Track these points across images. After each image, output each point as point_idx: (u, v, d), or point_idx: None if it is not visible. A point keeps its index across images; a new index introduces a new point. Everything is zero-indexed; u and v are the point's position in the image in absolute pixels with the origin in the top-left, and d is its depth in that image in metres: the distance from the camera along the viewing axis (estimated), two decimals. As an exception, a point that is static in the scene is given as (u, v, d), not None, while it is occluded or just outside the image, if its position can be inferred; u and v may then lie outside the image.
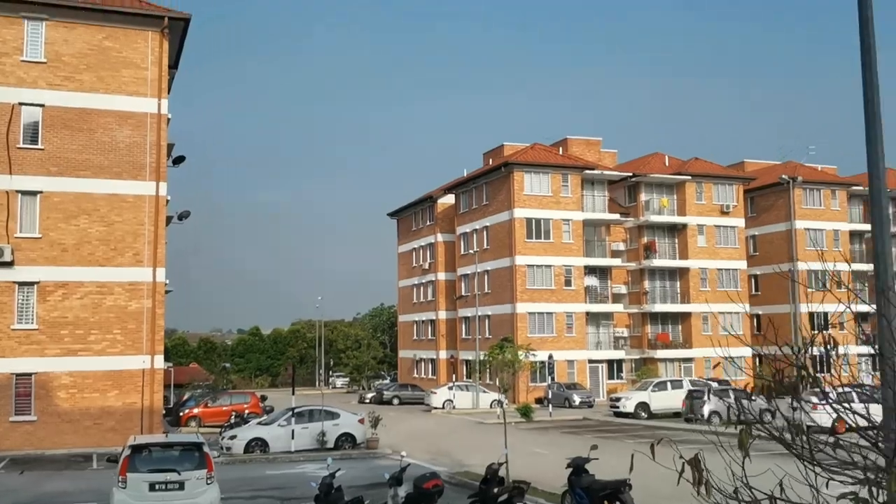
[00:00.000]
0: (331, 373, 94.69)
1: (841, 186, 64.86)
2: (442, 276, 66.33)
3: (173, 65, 34.17)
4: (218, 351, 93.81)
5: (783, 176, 48.07)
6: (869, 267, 65.28)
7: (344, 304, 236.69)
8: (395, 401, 57.65)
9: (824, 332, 4.78)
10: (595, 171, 57.48)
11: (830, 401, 4.68)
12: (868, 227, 67.15)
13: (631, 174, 59.78)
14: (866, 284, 66.56)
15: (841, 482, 4.01)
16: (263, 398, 46.07)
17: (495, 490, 14.49)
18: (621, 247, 60.11)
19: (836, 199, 64.21)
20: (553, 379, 51.17)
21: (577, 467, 15.48)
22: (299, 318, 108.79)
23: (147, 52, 31.58)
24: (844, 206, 64.67)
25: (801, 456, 3.72)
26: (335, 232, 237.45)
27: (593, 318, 57.21)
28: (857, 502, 3.55)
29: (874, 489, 3.62)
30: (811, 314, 60.07)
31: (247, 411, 38.32)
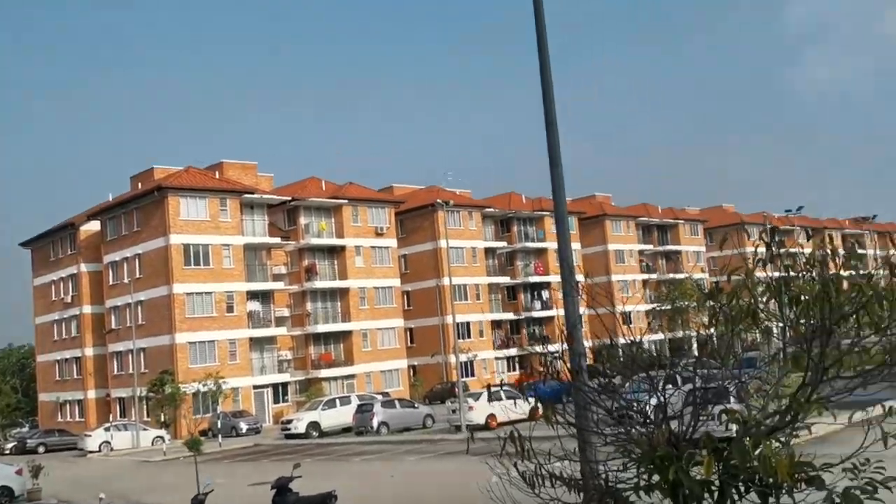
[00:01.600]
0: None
1: (476, 209, 72.07)
2: (88, 309, 61.38)
3: None
4: None
5: (438, 200, 52.39)
6: (501, 279, 73.28)
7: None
8: (41, 448, 52.00)
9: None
10: (254, 196, 57.46)
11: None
12: (500, 244, 75.31)
13: (290, 198, 60.70)
14: (499, 296, 74.69)
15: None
16: None
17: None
18: (283, 270, 60.65)
19: (473, 219, 71.18)
20: (219, 408, 49.99)
21: (281, 487, 15.62)
22: None
23: None
24: (480, 226, 71.91)
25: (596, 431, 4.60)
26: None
27: (257, 344, 56.90)
28: (730, 415, 4.41)
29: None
30: (457, 324, 65.49)
31: None
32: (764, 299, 4.63)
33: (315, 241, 61.14)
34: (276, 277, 59.42)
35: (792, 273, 4.55)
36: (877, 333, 4.43)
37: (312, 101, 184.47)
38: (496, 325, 72.34)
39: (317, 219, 62.24)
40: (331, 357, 61.27)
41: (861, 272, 4.69)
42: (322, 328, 60.81)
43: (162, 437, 46.96)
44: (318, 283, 60.99)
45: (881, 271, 4.47)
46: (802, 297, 4.31)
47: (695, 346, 5.77)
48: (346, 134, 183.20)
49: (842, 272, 4.60)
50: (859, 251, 4.83)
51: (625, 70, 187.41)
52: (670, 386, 5.15)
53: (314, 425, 43.54)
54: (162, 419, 51.42)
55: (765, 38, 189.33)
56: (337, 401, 46.38)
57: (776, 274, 4.63)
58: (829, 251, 4.65)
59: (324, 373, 59.85)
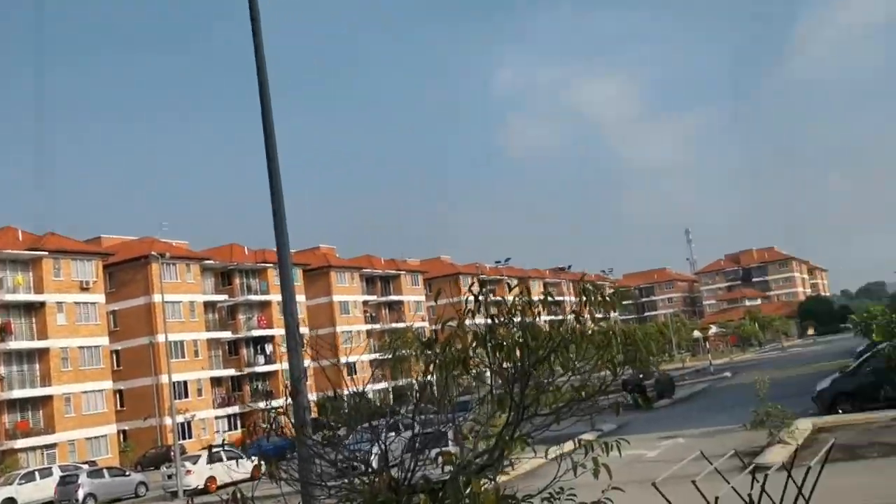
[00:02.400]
0: None
1: (195, 261, 69.26)
2: None
3: None
4: None
5: (153, 252, 49.59)
6: (222, 334, 70.81)
7: None
8: None
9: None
10: (-67, 247, 50.76)
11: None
12: (221, 297, 72.80)
13: (-21, 250, 54.34)
14: (220, 351, 72.01)
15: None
16: None
17: None
18: (-31, 331, 53.85)
19: (191, 272, 68.25)
20: None
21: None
22: None
23: None
24: (199, 279, 69.08)
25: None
26: None
27: (-65, 415, 49.79)
28: (444, 457, 4.56)
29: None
30: (173, 383, 62.27)
31: None
32: (473, 346, 5.00)
33: (9, 297, 55.04)
34: (-39, 339, 52.63)
35: (496, 321, 4.96)
36: (567, 373, 4.97)
37: (6, 140, 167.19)
38: (216, 382, 69.47)
39: (12, 272, 56.18)
40: (28, 425, 55.09)
41: (558, 317, 5.24)
42: (18, 394, 54.57)
43: None
44: (13, 344, 54.83)
45: (570, 317, 5.03)
46: (504, 343, 4.73)
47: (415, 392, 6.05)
48: (48, 180, 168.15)
49: (543, 318, 5.11)
50: (557, 298, 5.39)
51: (342, 128, 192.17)
52: (392, 434, 5.34)
53: (10, 502, 39.00)
54: None
55: (477, 102, 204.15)
56: (36, 473, 42.01)
57: (485, 321, 5.03)
58: (527, 300, 5.13)
59: (20, 443, 53.60)
